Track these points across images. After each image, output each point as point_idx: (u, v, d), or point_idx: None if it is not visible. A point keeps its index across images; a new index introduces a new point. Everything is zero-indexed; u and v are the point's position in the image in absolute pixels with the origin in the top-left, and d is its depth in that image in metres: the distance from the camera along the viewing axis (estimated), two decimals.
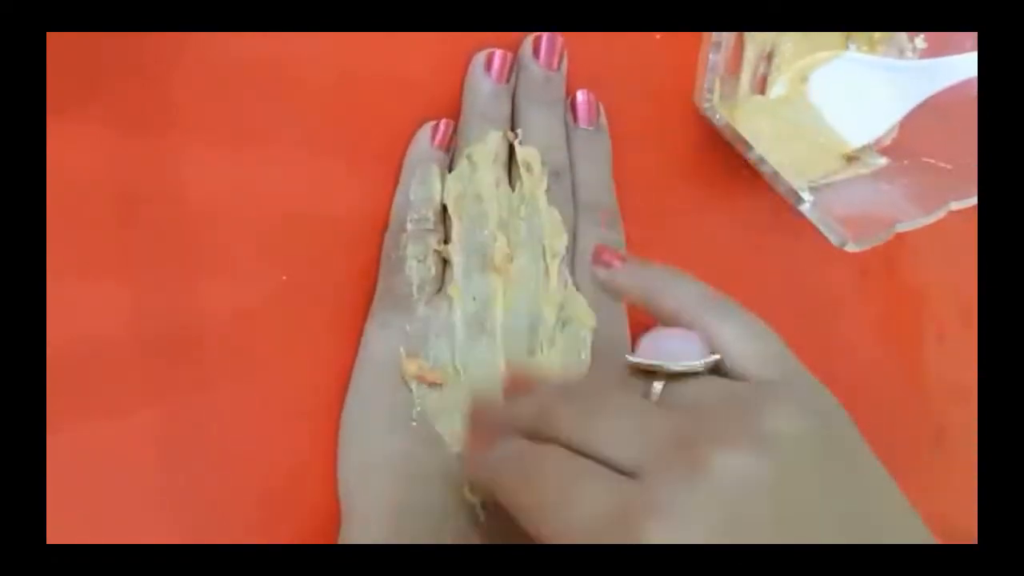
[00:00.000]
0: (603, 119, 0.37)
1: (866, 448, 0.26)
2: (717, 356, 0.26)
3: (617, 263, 0.30)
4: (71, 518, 0.29)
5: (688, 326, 0.27)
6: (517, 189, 0.34)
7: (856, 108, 0.41)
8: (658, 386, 0.26)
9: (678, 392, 0.26)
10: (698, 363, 0.26)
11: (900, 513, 0.25)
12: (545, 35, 0.35)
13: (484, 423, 0.30)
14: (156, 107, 0.30)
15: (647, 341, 0.27)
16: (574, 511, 0.24)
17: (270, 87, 0.32)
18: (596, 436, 0.25)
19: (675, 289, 0.28)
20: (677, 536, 0.22)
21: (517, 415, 0.28)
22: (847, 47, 0.42)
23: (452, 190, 0.33)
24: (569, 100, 0.36)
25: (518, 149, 0.34)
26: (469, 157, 0.34)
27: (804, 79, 0.41)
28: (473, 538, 0.32)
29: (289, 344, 0.33)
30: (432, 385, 0.33)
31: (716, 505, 0.22)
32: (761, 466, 0.23)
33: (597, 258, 0.30)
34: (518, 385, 0.31)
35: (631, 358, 0.27)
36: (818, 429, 0.24)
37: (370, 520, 0.32)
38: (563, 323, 0.34)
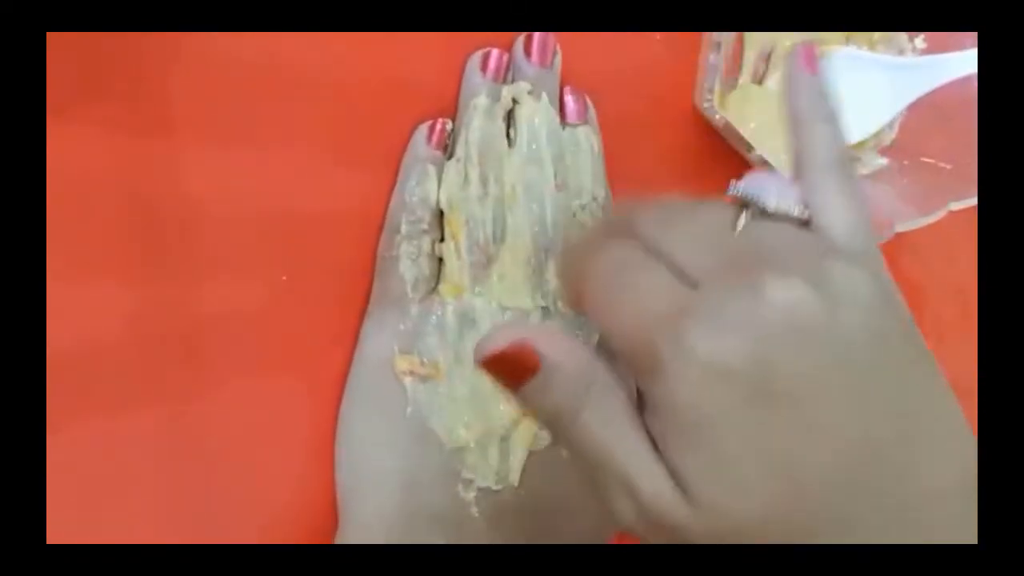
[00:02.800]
0: (593, 115, 0.37)
1: (921, 342, 0.26)
2: (805, 210, 0.26)
3: (809, 71, 0.29)
4: (71, 518, 0.29)
5: (800, 170, 0.27)
6: (516, 138, 0.35)
7: (851, 105, 0.41)
8: (744, 216, 0.25)
9: (762, 227, 0.25)
10: (792, 209, 0.26)
11: (946, 416, 0.25)
12: (537, 33, 0.35)
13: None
14: (156, 107, 0.30)
15: (748, 177, 0.27)
16: (628, 303, 0.24)
17: (269, 87, 0.32)
18: (670, 241, 0.25)
19: (816, 139, 0.27)
20: (712, 343, 0.22)
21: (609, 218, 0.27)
22: (845, 44, 0.42)
23: (448, 187, 0.33)
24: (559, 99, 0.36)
25: (507, 91, 0.34)
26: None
27: None
28: (468, 537, 0.32)
29: (288, 344, 0.33)
30: (426, 380, 0.33)
31: (759, 324, 0.23)
32: (813, 304, 0.23)
33: (800, 54, 0.29)
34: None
35: (732, 187, 0.26)
36: (879, 303, 0.24)
37: (367, 519, 0.32)
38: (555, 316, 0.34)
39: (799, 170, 0.27)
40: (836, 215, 0.26)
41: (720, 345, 0.22)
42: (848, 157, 0.27)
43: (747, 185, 0.26)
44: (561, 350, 0.25)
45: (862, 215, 0.26)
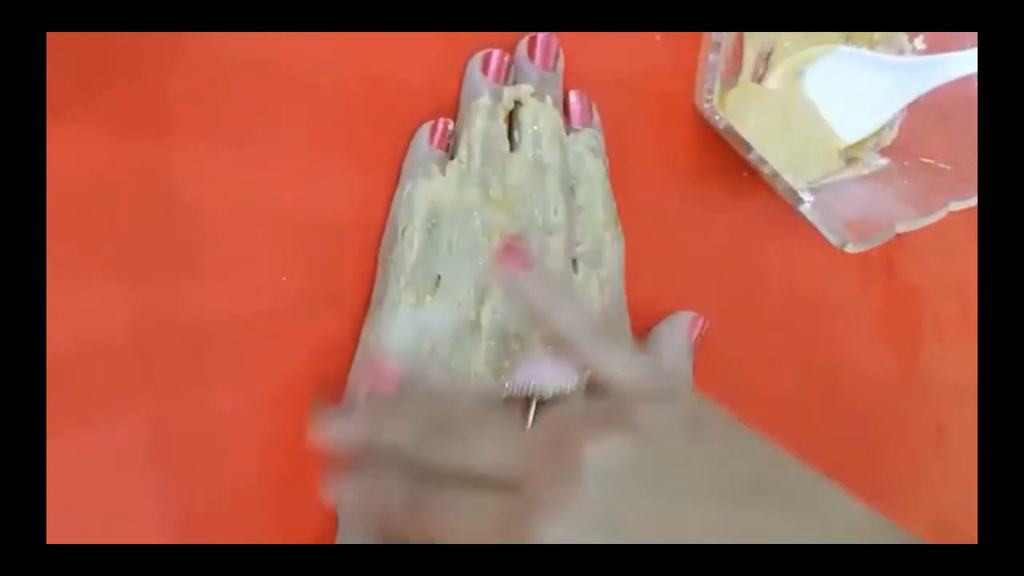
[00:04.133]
0: (596, 119, 0.37)
1: (739, 424, 0.27)
2: (586, 374, 0.28)
3: (522, 271, 0.30)
4: (71, 518, 0.29)
5: (572, 349, 0.28)
6: (519, 137, 0.35)
7: (850, 104, 0.41)
8: (531, 412, 0.27)
9: (555, 412, 0.27)
10: (568, 385, 0.28)
11: (778, 463, 0.26)
12: (540, 35, 0.35)
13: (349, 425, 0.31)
14: (156, 107, 0.30)
15: (521, 370, 0.28)
16: (465, 536, 0.25)
17: (270, 87, 0.32)
18: (472, 459, 0.26)
19: (567, 316, 0.29)
20: (563, 532, 0.24)
21: (388, 435, 0.29)
22: (845, 44, 0.42)
23: (445, 190, 0.33)
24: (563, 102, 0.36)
25: (508, 92, 0.34)
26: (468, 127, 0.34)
27: (798, 74, 0.41)
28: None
29: (288, 345, 0.33)
30: None
31: (594, 494, 0.24)
32: (631, 450, 0.24)
33: (503, 259, 0.30)
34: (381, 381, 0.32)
35: (507, 387, 0.28)
36: (683, 413, 0.26)
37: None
38: None
39: (565, 350, 0.28)
40: (622, 376, 0.27)
41: (572, 530, 0.24)
42: (597, 322, 0.29)
43: (523, 378, 0.28)
44: None
45: (637, 364, 0.27)
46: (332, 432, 0.31)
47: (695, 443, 0.25)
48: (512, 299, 0.31)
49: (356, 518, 0.31)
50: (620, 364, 0.27)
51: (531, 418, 0.27)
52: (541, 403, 0.27)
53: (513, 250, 0.30)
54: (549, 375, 0.28)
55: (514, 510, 0.25)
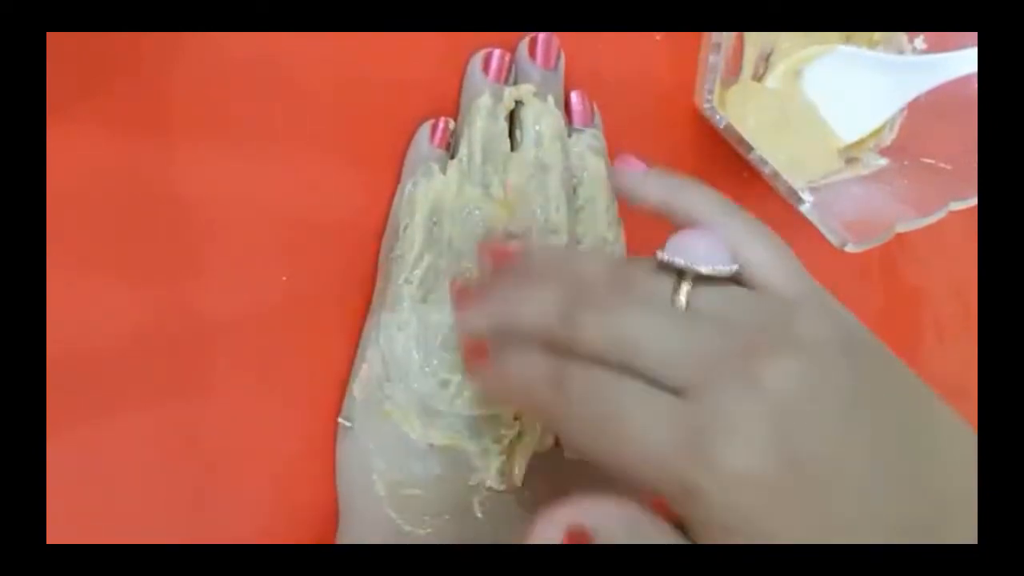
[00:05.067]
0: (598, 119, 0.37)
1: (880, 344, 0.27)
2: (736, 266, 0.26)
3: (643, 169, 0.29)
4: (71, 518, 0.29)
5: (710, 226, 0.27)
6: (522, 139, 0.35)
7: (849, 103, 0.41)
8: (686, 289, 0.25)
9: (707, 298, 0.25)
10: (727, 268, 0.26)
11: (928, 395, 0.26)
12: (541, 35, 0.35)
13: (484, 317, 0.29)
14: (156, 107, 0.30)
15: (674, 240, 0.27)
16: (638, 443, 0.24)
17: (270, 87, 0.32)
18: (637, 353, 0.24)
19: (698, 197, 0.28)
20: (748, 453, 0.23)
21: (528, 314, 0.27)
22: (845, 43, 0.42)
23: (446, 189, 0.33)
24: (564, 102, 0.36)
25: (509, 92, 0.34)
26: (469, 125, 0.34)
27: (797, 73, 0.41)
28: (470, 537, 0.32)
29: (289, 344, 0.33)
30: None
31: (780, 414, 0.23)
32: (809, 370, 0.24)
33: (623, 164, 0.29)
34: (502, 256, 0.30)
35: (660, 255, 0.26)
36: (847, 333, 0.26)
37: (368, 519, 0.32)
38: None
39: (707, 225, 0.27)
40: (763, 262, 0.26)
41: (746, 457, 0.23)
42: (733, 203, 0.28)
43: (674, 251, 0.26)
44: (610, 518, 0.24)
45: (786, 255, 0.27)
46: (469, 319, 0.29)
47: (853, 366, 0.25)
48: (642, 199, 0.29)
49: (504, 394, 0.29)
50: (761, 249, 0.26)
51: (683, 298, 0.25)
52: (695, 280, 0.25)
53: (629, 157, 0.29)
54: (704, 252, 0.26)
55: (688, 420, 0.23)
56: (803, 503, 0.23)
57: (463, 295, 0.30)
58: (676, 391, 0.24)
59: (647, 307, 0.25)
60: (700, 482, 0.23)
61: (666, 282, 0.26)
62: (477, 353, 0.28)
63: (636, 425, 0.24)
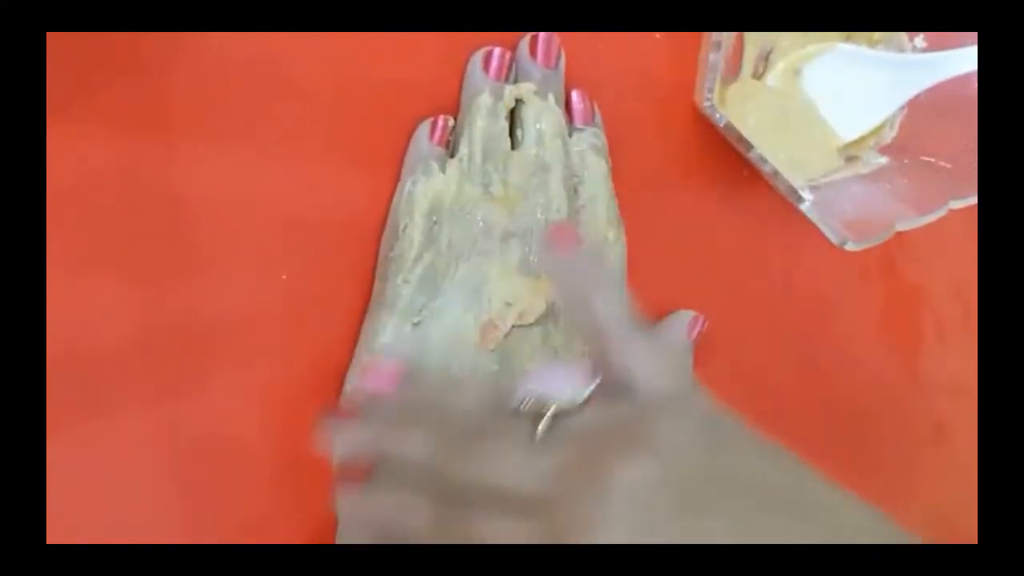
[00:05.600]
0: (599, 118, 0.37)
1: (750, 432, 0.27)
2: (596, 382, 0.28)
3: (570, 251, 0.30)
4: (71, 518, 0.29)
5: (603, 338, 0.29)
6: (523, 137, 0.35)
7: (849, 101, 0.41)
8: (543, 425, 0.27)
9: (566, 424, 0.27)
10: (579, 397, 0.27)
11: (791, 471, 0.26)
12: (542, 34, 0.35)
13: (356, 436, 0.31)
14: (156, 107, 0.30)
15: (531, 381, 0.28)
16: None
17: (270, 87, 0.32)
18: (501, 492, 0.26)
19: (602, 301, 0.29)
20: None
21: (402, 453, 0.29)
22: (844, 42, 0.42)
23: (445, 188, 0.33)
24: (564, 101, 0.36)
25: (510, 90, 0.34)
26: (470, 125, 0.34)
27: (797, 71, 0.41)
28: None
29: (289, 344, 0.33)
30: None
31: (625, 516, 0.24)
32: (657, 469, 0.25)
33: (553, 238, 0.30)
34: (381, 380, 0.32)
35: (518, 400, 0.28)
36: (703, 423, 0.27)
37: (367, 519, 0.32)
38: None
39: (596, 339, 0.29)
40: (641, 371, 0.28)
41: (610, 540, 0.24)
42: (631, 314, 0.29)
43: (534, 388, 0.28)
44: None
45: (662, 361, 0.28)
46: (338, 441, 0.31)
47: (717, 456, 0.26)
48: (556, 280, 0.31)
49: (368, 530, 0.31)
50: (643, 362, 0.28)
51: (542, 428, 0.27)
52: (553, 413, 0.27)
53: (564, 230, 0.31)
54: (561, 384, 0.28)
55: (548, 536, 0.25)
56: None
57: (339, 415, 0.32)
58: (536, 512, 0.25)
59: (506, 444, 0.27)
60: None
61: (525, 419, 0.27)
62: (349, 476, 0.30)
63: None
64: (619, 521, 0.24)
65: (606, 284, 0.30)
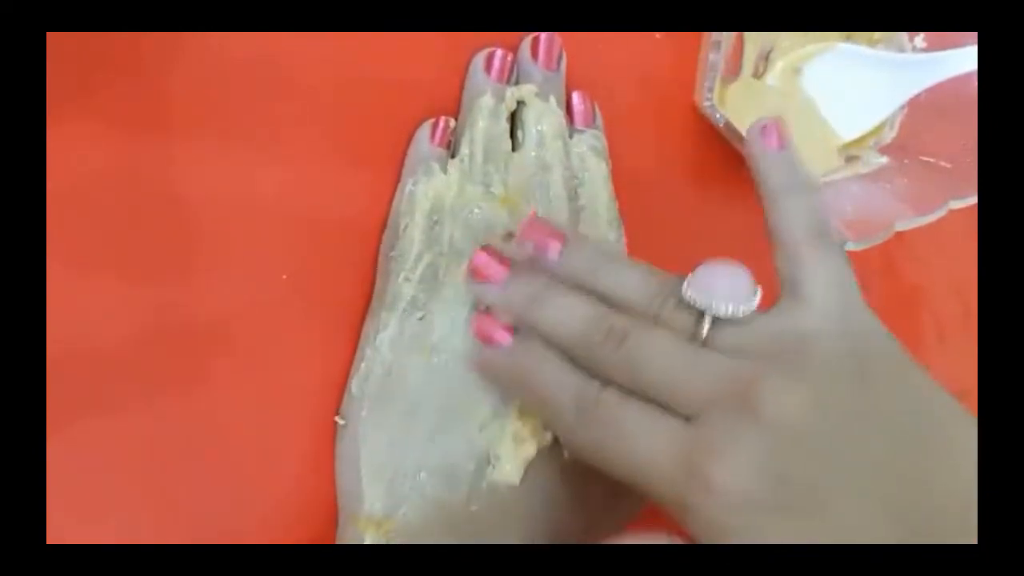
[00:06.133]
0: (599, 120, 0.37)
1: (904, 360, 0.27)
2: (758, 297, 0.28)
3: (780, 147, 0.30)
4: (71, 518, 0.29)
5: (778, 242, 0.29)
6: (524, 139, 0.35)
7: (849, 101, 0.41)
8: (706, 327, 0.27)
9: (726, 332, 0.27)
10: (746, 307, 0.27)
11: (944, 409, 0.27)
12: (543, 35, 0.35)
13: (508, 302, 0.30)
14: (156, 107, 0.30)
15: (699, 276, 0.28)
16: (641, 462, 0.26)
17: (270, 87, 0.32)
18: (651, 383, 0.27)
19: (798, 210, 0.29)
20: (733, 478, 0.24)
21: (555, 321, 0.28)
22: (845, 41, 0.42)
23: (446, 188, 0.33)
24: (565, 102, 0.36)
25: (511, 92, 0.34)
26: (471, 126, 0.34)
27: (797, 71, 0.41)
28: (466, 536, 0.32)
29: (289, 344, 0.33)
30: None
31: (774, 440, 0.25)
32: (812, 400, 0.25)
33: (768, 132, 0.30)
34: (539, 233, 0.31)
35: (684, 290, 0.28)
36: (862, 355, 0.26)
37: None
38: None
39: (777, 241, 0.29)
40: (814, 288, 0.27)
41: (741, 478, 0.24)
42: (826, 226, 0.29)
43: (698, 286, 0.28)
44: None
45: (838, 281, 0.28)
46: (497, 293, 0.30)
47: (866, 388, 0.26)
48: (759, 171, 0.30)
49: (509, 384, 0.31)
50: (821, 281, 0.28)
51: (704, 332, 0.27)
52: (715, 317, 0.27)
53: (776, 125, 0.30)
54: (727, 289, 0.27)
55: (687, 443, 0.25)
56: (795, 522, 0.24)
57: (488, 262, 0.31)
58: (684, 417, 0.26)
59: (666, 341, 0.27)
60: (695, 501, 0.25)
61: (688, 315, 0.28)
62: (492, 331, 0.30)
63: (641, 446, 0.26)
64: (762, 451, 0.24)
65: (800, 189, 0.29)
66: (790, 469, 0.24)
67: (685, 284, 0.28)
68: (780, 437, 0.25)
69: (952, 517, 0.25)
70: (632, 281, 0.29)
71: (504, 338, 0.30)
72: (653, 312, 0.28)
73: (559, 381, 0.28)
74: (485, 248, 0.32)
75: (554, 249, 0.31)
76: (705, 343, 0.27)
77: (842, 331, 0.27)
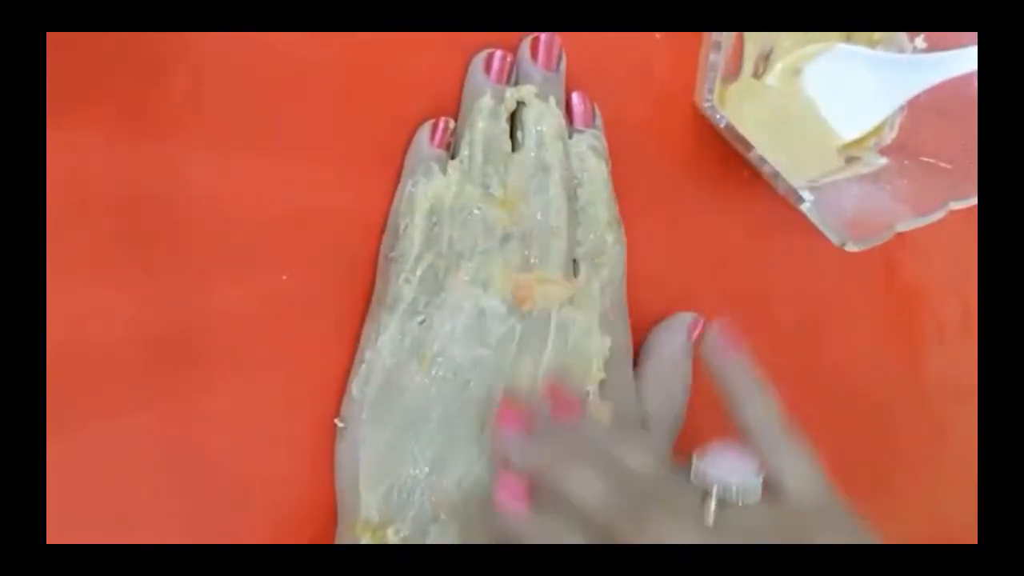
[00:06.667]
0: (599, 120, 0.37)
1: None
2: (762, 476, 0.29)
3: (733, 352, 0.32)
4: (71, 518, 0.29)
5: (754, 439, 0.30)
6: (524, 140, 0.35)
7: (849, 101, 0.41)
8: (711, 506, 0.28)
9: (733, 514, 0.28)
10: (751, 488, 0.29)
11: None
12: (543, 36, 0.35)
13: (527, 456, 0.31)
14: (156, 107, 0.30)
15: (708, 460, 0.30)
16: None
17: (270, 87, 0.32)
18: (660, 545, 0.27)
19: (755, 409, 0.31)
20: None
21: (573, 491, 0.29)
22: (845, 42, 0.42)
23: (446, 189, 0.33)
24: (565, 103, 0.36)
25: (511, 92, 0.34)
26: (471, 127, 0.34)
27: (797, 71, 0.41)
28: (466, 536, 0.32)
29: (289, 344, 0.33)
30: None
31: None
32: None
33: (719, 336, 0.33)
34: (557, 400, 0.33)
35: (694, 472, 0.29)
36: (852, 538, 0.28)
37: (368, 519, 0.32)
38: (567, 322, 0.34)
39: (746, 437, 0.31)
40: (792, 480, 0.29)
41: None
42: (783, 420, 0.31)
43: (706, 470, 0.29)
44: None
45: (816, 471, 0.30)
46: (514, 450, 0.31)
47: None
48: (715, 374, 0.33)
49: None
50: (799, 471, 0.30)
51: (711, 514, 0.28)
52: (722, 497, 0.28)
53: (730, 332, 0.33)
54: (734, 472, 0.29)
55: None
56: None
57: (510, 416, 0.32)
58: None
59: (677, 518, 0.28)
60: None
61: (696, 494, 0.29)
62: (514, 495, 0.31)
63: None
64: None
65: (756, 390, 0.32)
66: None
67: (695, 460, 0.30)
68: None
69: None
70: (643, 453, 0.31)
71: (520, 506, 0.30)
72: (664, 486, 0.29)
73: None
74: (508, 404, 0.32)
75: (571, 417, 0.32)
76: (713, 523, 0.28)
77: (835, 517, 0.29)
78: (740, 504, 0.28)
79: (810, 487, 0.29)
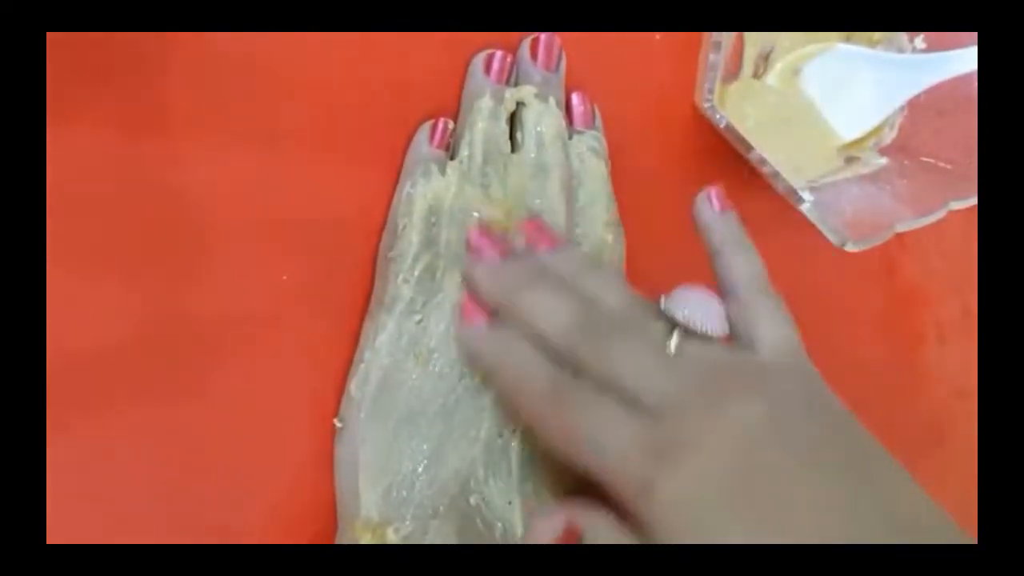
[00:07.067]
0: (599, 121, 0.37)
1: (840, 407, 0.30)
2: (727, 327, 0.30)
3: (721, 210, 0.33)
4: (71, 518, 0.29)
5: (734, 293, 0.31)
6: (522, 139, 0.35)
7: (848, 101, 0.42)
8: (677, 339, 0.29)
9: (694, 348, 0.29)
10: (714, 331, 0.30)
11: (863, 442, 0.29)
12: (543, 36, 0.35)
13: (494, 286, 0.32)
14: (156, 107, 0.30)
15: (678, 295, 0.30)
16: (607, 446, 0.27)
17: (269, 87, 0.32)
18: (623, 381, 0.28)
19: (741, 264, 0.32)
20: (698, 467, 0.26)
21: (538, 316, 0.30)
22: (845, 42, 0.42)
23: (445, 190, 0.33)
24: (564, 103, 0.36)
25: (511, 93, 0.35)
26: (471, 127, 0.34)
27: (796, 71, 0.41)
28: (466, 537, 0.32)
29: (288, 344, 0.33)
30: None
31: (739, 437, 0.26)
32: (771, 413, 0.27)
33: (707, 197, 0.33)
34: (534, 230, 0.33)
35: (662, 302, 0.30)
36: (814, 398, 0.29)
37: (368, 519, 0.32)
38: None
39: (727, 292, 0.31)
40: (766, 333, 0.30)
41: (703, 472, 0.26)
42: (766, 279, 0.32)
43: (675, 305, 0.30)
44: (598, 520, 0.28)
45: (787, 330, 0.30)
46: (483, 276, 0.32)
47: (812, 417, 0.28)
48: (705, 234, 0.33)
49: (481, 364, 0.32)
50: (768, 327, 0.30)
51: (673, 345, 0.28)
52: (687, 332, 0.29)
53: (718, 192, 0.33)
54: (702, 313, 0.30)
55: (655, 436, 0.27)
56: (749, 521, 0.26)
57: (481, 242, 0.33)
58: (650, 414, 0.27)
59: (640, 345, 0.29)
60: (658, 480, 0.26)
61: (662, 327, 0.29)
62: (475, 311, 0.32)
63: (611, 434, 0.27)
64: (722, 454, 0.26)
65: (740, 246, 0.32)
66: (749, 471, 0.26)
67: (663, 298, 0.30)
68: (742, 440, 0.26)
69: (902, 517, 0.26)
70: (614, 288, 0.31)
71: (480, 320, 0.31)
72: (630, 317, 0.30)
73: (535, 367, 0.29)
74: (483, 230, 0.33)
75: (545, 247, 0.32)
76: (675, 352, 0.29)
77: (791, 368, 0.29)
78: (702, 339, 0.29)
79: (781, 344, 0.30)
